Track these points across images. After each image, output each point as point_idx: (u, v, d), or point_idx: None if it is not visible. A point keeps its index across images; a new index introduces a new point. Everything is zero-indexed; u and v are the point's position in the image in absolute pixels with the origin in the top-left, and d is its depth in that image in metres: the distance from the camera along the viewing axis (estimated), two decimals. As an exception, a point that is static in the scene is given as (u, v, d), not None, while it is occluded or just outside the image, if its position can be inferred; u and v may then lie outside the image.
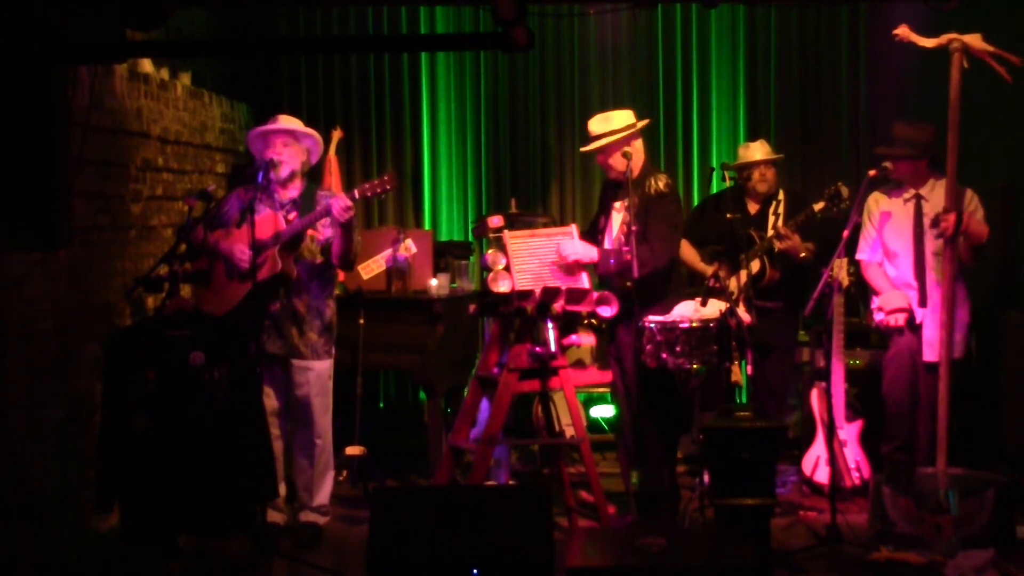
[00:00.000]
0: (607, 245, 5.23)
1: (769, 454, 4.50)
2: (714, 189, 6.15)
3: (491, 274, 5.04)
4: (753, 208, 5.76)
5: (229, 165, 6.62)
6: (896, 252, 5.39)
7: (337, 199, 4.72)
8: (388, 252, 6.10)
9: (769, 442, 4.49)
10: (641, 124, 5.22)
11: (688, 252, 5.63)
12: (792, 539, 4.92)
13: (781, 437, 4.67)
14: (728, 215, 5.28)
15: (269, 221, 4.81)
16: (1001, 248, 5.54)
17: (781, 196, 5.74)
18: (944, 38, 4.82)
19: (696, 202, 6.85)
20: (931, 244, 5.25)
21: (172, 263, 4.65)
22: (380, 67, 7.32)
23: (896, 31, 4.96)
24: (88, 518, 4.83)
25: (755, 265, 5.46)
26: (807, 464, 5.64)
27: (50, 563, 4.49)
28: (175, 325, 4.46)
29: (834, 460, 5.02)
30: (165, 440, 4.40)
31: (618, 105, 5.83)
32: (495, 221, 5.26)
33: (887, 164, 5.22)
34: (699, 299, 4.91)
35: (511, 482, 5.75)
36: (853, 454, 5.53)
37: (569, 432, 5.31)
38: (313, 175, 5.47)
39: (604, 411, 6.76)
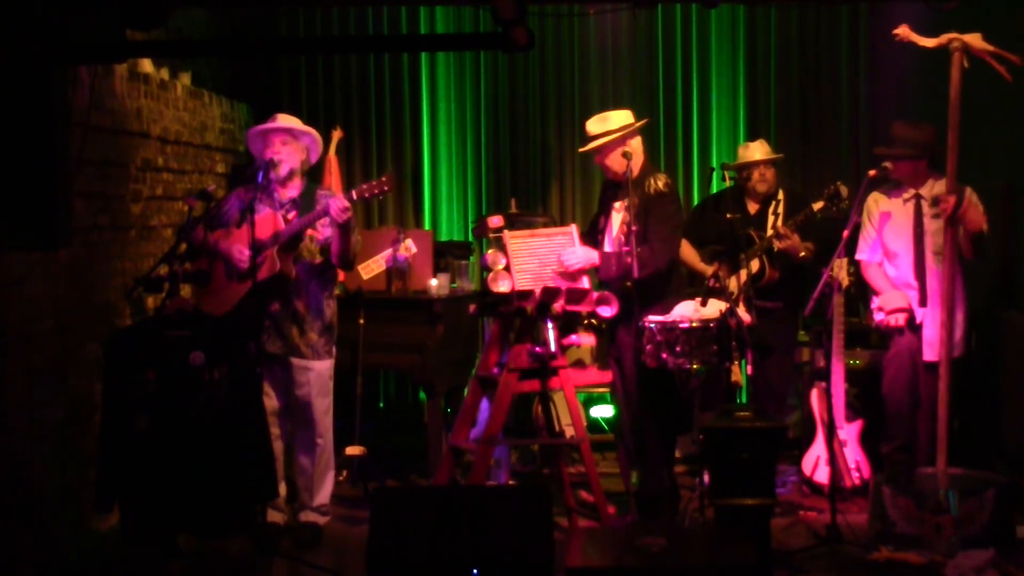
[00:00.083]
0: (607, 245, 5.23)
1: (769, 454, 4.49)
2: (714, 189, 6.16)
3: (491, 274, 5.04)
4: (753, 208, 5.76)
5: (229, 165, 6.62)
6: (896, 252, 5.39)
7: (335, 200, 4.71)
8: (388, 252, 6.10)
9: (769, 442, 4.48)
10: (638, 124, 5.22)
11: (688, 252, 5.63)
12: (792, 539, 4.91)
13: (781, 437, 4.66)
14: (728, 215, 5.30)
15: (269, 221, 4.81)
16: (1001, 248, 5.53)
17: (781, 196, 5.74)
18: (944, 38, 4.82)
19: (696, 202, 6.85)
20: (931, 244, 5.25)
21: (172, 263, 4.64)
22: (380, 67, 7.32)
23: (896, 31, 4.96)
24: (88, 518, 4.82)
25: (755, 265, 5.47)
26: (807, 464, 5.63)
27: (50, 563, 4.49)
28: (175, 325, 4.45)
29: (834, 460, 5.02)
30: (165, 440, 4.39)
31: (618, 105, 5.82)
32: (495, 221, 5.26)
33: (887, 164, 5.22)
34: (699, 299, 4.90)
35: (511, 482, 5.75)
36: (853, 454, 5.53)
37: (569, 432, 5.30)
38: (313, 175, 5.47)
39: (604, 411, 6.76)
